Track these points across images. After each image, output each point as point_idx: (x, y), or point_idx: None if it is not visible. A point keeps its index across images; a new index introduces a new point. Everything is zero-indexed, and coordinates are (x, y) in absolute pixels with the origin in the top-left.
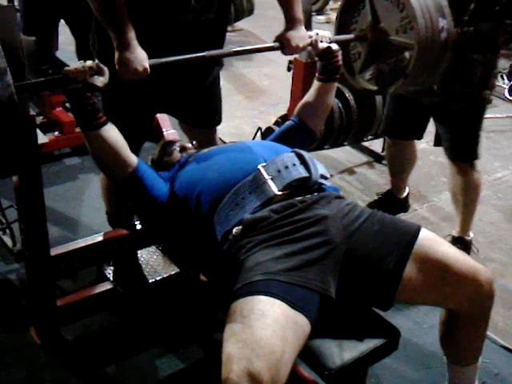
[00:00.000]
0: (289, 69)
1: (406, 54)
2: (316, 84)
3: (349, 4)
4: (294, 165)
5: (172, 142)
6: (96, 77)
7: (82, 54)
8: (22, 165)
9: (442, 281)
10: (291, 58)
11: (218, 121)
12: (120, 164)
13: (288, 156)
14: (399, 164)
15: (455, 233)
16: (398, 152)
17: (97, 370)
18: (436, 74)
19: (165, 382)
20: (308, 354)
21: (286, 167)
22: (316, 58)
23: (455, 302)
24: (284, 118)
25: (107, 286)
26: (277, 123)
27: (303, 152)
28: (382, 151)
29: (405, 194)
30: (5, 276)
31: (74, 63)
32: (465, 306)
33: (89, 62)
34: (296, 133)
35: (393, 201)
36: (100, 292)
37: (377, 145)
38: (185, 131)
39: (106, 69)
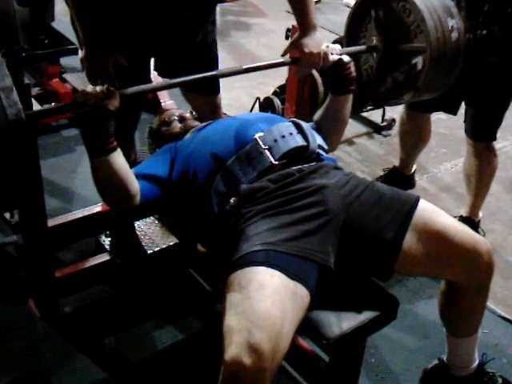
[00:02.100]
0: (287, 37)
1: (419, 61)
2: (331, 98)
3: (355, 19)
4: (291, 134)
5: (171, 112)
6: (107, 100)
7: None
8: (18, 136)
9: (442, 251)
10: (289, 26)
11: (215, 87)
12: (126, 193)
13: (285, 125)
14: (412, 141)
15: (464, 213)
16: (412, 129)
17: (95, 342)
18: (451, 78)
19: (163, 353)
20: (306, 323)
21: (283, 136)
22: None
23: (455, 273)
24: (282, 89)
25: (105, 257)
26: (275, 93)
27: (301, 121)
28: (382, 122)
29: (412, 171)
30: (3, 247)
31: (83, 86)
32: (464, 277)
33: (99, 86)
34: None
35: (399, 177)
36: (98, 263)
37: (376, 115)
38: (186, 99)
39: (116, 92)
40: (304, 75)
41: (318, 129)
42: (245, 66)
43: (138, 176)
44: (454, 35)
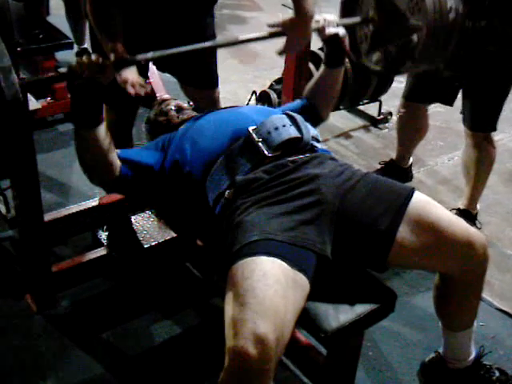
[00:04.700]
0: None
1: (414, 37)
2: (323, 70)
3: None
4: (284, 126)
5: (168, 102)
6: (101, 74)
7: (71, 18)
8: (14, 131)
9: (436, 244)
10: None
11: (214, 81)
12: (108, 166)
13: (278, 117)
14: (409, 133)
15: (461, 205)
16: (410, 121)
17: (92, 336)
18: (444, 56)
19: (161, 347)
20: (304, 316)
21: (276, 128)
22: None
23: (448, 266)
24: (278, 82)
25: (102, 251)
26: (271, 87)
27: (294, 114)
28: (378, 115)
29: (409, 164)
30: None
31: (78, 58)
32: (458, 270)
33: (94, 57)
34: (305, 113)
35: (396, 170)
36: (95, 258)
37: (373, 108)
38: (185, 93)
39: (111, 66)
40: (296, 51)
41: (309, 104)
42: (240, 38)
43: (124, 153)
44: (452, 15)
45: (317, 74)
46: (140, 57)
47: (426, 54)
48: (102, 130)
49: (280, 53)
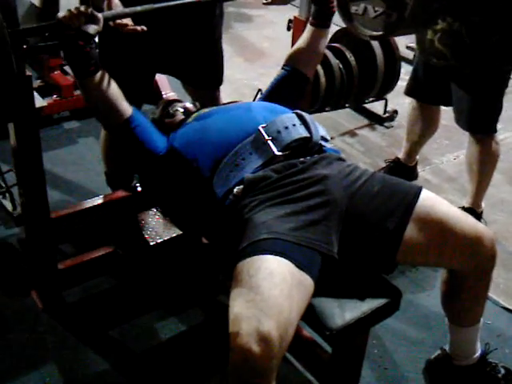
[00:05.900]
0: (288, 28)
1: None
2: (309, 29)
3: None
4: (294, 125)
5: (174, 103)
6: (89, 24)
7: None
8: (20, 128)
9: (444, 241)
10: (291, 17)
11: (219, 81)
12: (114, 112)
13: (288, 117)
14: (418, 130)
15: (466, 204)
16: (420, 117)
17: (98, 333)
18: (432, 18)
19: (166, 345)
20: (309, 314)
21: (286, 127)
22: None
23: (457, 262)
24: None
25: (108, 249)
26: None
27: (304, 113)
28: (384, 113)
29: (414, 162)
30: (5, 240)
31: (68, 9)
32: (466, 265)
33: (82, 7)
34: (290, 81)
35: (402, 168)
36: (101, 255)
37: (378, 107)
38: (188, 92)
39: (100, 16)
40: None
41: (292, 69)
42: None
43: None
44: None
45: (300, 39)
46: (128, 10)
47: (415, 15)
48: (99, 78)
49: (266, 3)
